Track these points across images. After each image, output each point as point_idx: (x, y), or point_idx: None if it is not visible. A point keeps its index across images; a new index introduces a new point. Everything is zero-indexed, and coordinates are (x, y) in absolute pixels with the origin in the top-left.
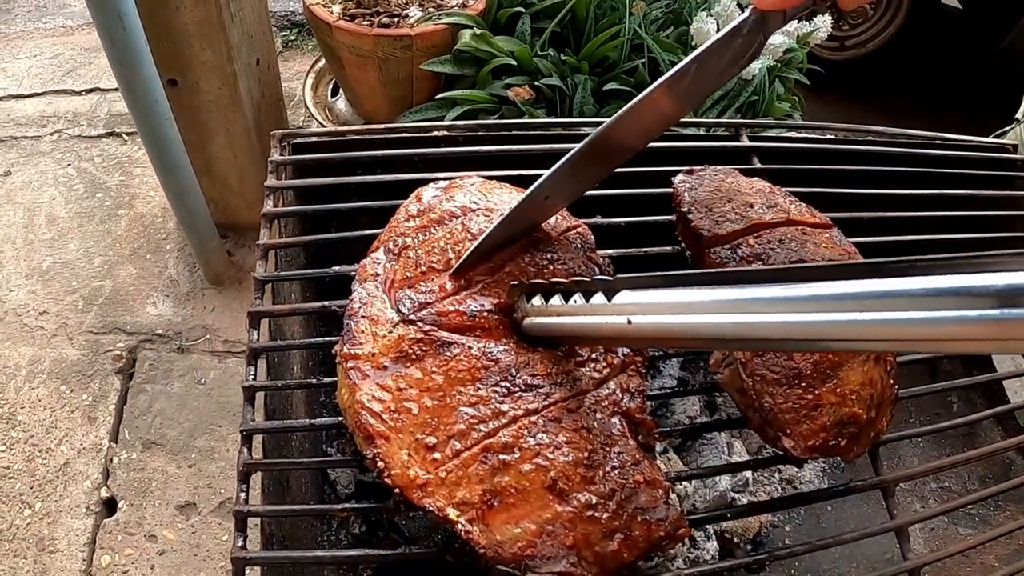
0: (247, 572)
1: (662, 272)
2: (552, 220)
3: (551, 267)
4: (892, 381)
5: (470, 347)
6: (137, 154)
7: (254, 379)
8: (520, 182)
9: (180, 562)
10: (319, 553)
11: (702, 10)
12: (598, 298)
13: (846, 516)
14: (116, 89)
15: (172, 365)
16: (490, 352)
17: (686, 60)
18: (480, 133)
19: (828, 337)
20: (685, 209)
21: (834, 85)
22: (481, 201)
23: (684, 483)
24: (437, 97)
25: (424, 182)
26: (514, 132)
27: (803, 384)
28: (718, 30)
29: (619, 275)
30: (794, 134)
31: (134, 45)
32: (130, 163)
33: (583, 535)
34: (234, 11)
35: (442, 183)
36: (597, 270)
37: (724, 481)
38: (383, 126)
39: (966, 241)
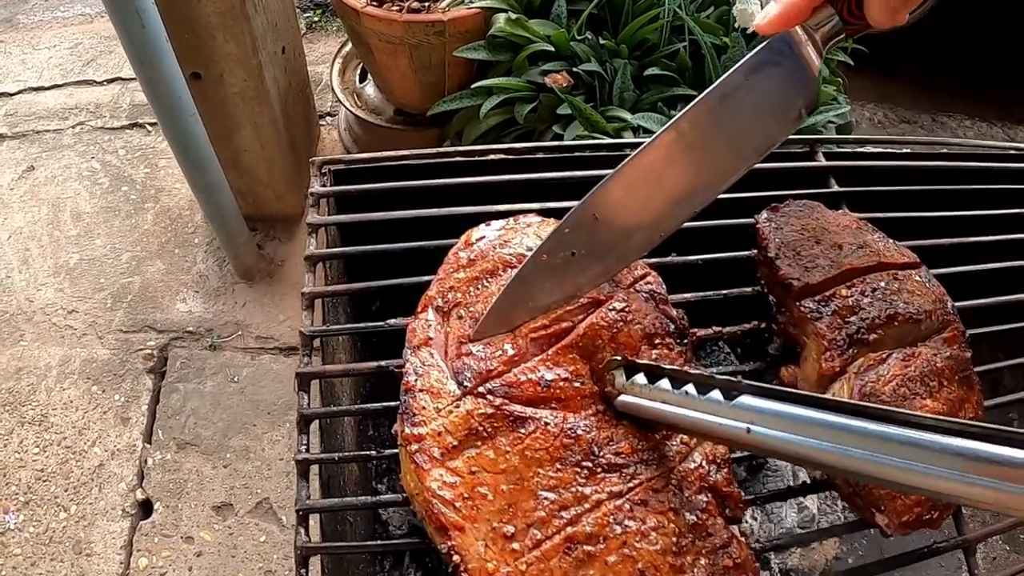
0: None
1: (787, 389)
2: (649, 292)
3: (625, 328)
4: (978, 408)
5: (547, 422)
6: (161, 145)
7: (307, 450)
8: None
9: (218, 563)
10: None
11: None
12: (715, 395)
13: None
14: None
15: (204, 363)
16: (570, 428)
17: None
18: (540, 156)
19: (931, 490)
20: (772, 255)
21: (873, 59)
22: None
23: (750, 520)
24: (473, 87)
25: (480, 217)
26: (577, 154)
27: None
28: (761, 8)
29: (743, 380)
30: (869, 149)
31: (154, 42)
32: (155, 155)
33: None
34: (258, 1)
35: (495, 224)
36: (672, 325)
37: (791, 518)
38: (434, 151)
39: None
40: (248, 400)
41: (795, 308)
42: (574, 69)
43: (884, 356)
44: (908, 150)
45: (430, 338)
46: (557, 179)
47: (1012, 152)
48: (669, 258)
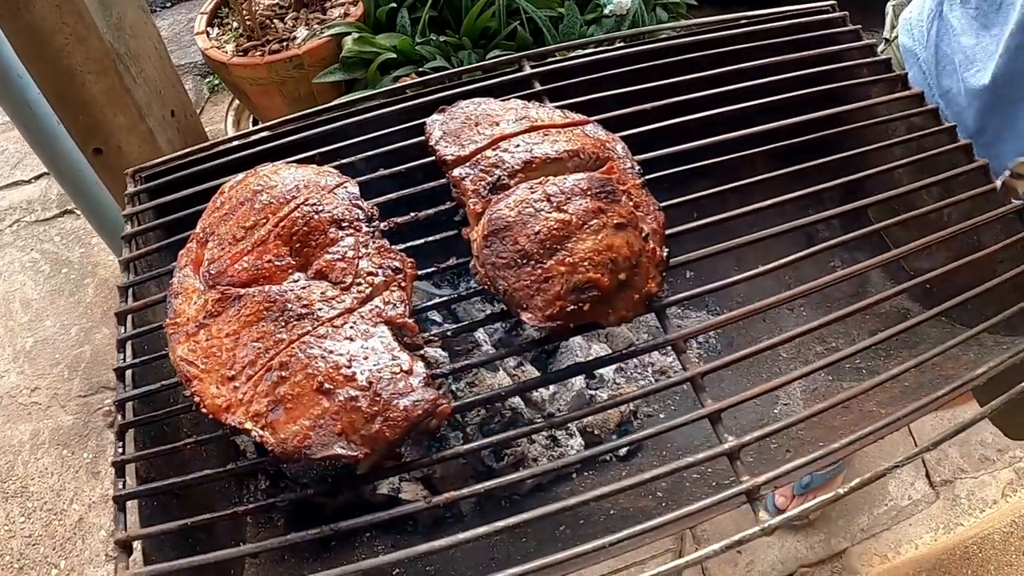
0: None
1: None
2: (323, 180)
3: (316, 216)
4: (654, 246)
5: (254, 295)
6: (90, 225)
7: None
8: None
9: None
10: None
11: None
12: None
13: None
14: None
15: None
16: (270, 294)
17: None
18: (284, 128)
19: None
20: (434, 143)
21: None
22: (266, 182)
23: (541, 390)
24: (328, 106)
25: None
26: (317, 119)
27: (532, 262)
28: None
29: None
30: (592, 47)
31: (48, 127)
32: (87, 234)
33: (349, 422)
34: (136, 74)
35: (240, 175)
36: (361, 213)
37: (579, 381)
38: (211, 142)
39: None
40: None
41: (452, 179)
42: (421, 69)
43: (512, 192)
44: (621, 44)
45: (190, 260)
46: (304, 138)
47: (743, 20)
48: (377, 173)
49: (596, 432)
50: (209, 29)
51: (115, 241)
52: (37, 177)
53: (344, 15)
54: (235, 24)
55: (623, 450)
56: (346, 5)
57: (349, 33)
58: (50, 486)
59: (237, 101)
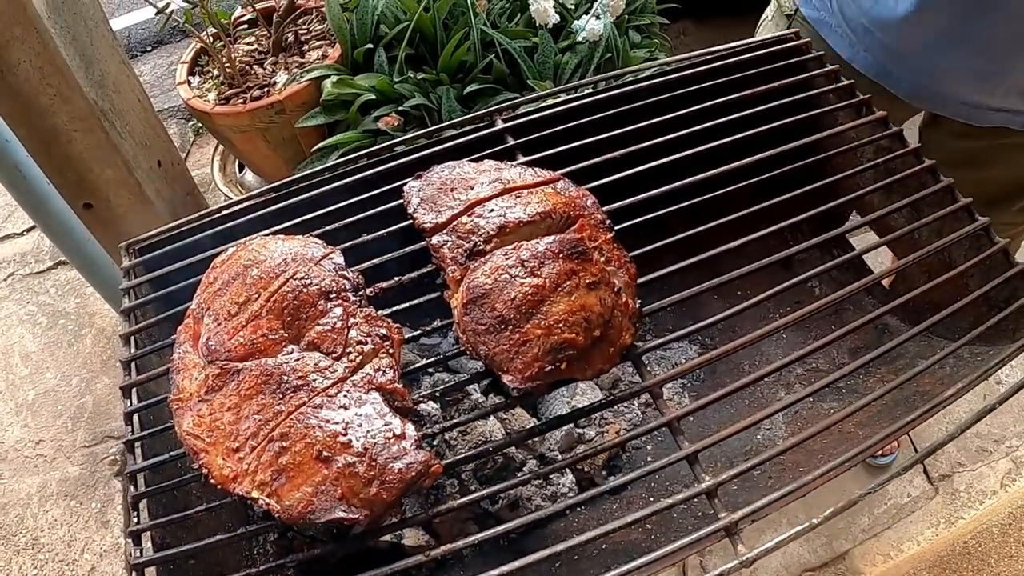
0: None
1: None
2: (309, 251)
3: (305, 290)
4: (627, 299)
5: (252, 368)
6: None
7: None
8: (307, 227)
9: None
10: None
11: None
12: None
13: (707, 426)
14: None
15: None
16: (266, 368)
17: None
18: (271, 196)
19: None
20: (412, 210)
21: (684, 12)
22: (248, 255)
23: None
24: (313, 149)
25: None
26: (300, 186)
27: (509, 327)
28: (555, 4)
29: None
30: (549, 102)
31: (38, 188)
32: (81, 285)
33: (348, 487)
34: (120, 128)
35: (230, 250)
36: (347, 283)
37: (563, 411)
38: (199, 214)
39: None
40: None
41: (432, 247)
42: (401, 108)
43: (488, 259)
44: (591, 89)
45: (188, 336)
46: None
47: (710, 56)
48: (360, 239)
49: (586, 469)
50: (190, 78)
51: (110, 292)
52: (29, 229)
53: (322, 57)
54: (215, 72)
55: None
56: (323, 47)
57: (328, 76)
58: (60, 537)
59: (221, 147)
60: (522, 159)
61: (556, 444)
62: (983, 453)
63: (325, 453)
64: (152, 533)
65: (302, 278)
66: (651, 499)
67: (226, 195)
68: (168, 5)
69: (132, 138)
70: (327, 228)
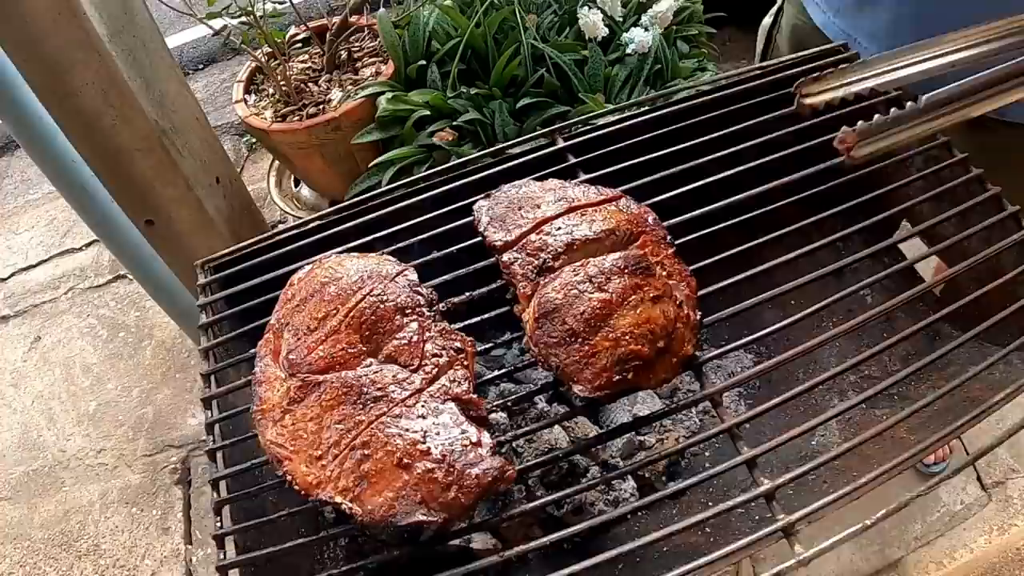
0: None
1: None
2: (384, 269)
3: (382, 306)
4: (688, 312)
5: (332, 381)
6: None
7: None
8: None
9: None
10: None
11: (585, 4)
12: None
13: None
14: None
15: None
16: (347, 380)
17: None
18: (342, 215)
19: None
20: (483, 228)
21: (736, 19)
22: (326, 273)
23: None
24: (370, 165)
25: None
26: (369, 204)
27: (579, 340)
28: (604, 17)
29: None
30: (607, 119)
31: (103, 207)
32: (140, 298)
33: (428, 492)
34: (181, 147)
35: (307, 267)
36: (421, 299)
37: (626, 419)
38: (269, 233)
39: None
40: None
41: (502, 264)
42: (455, 123)
43: (558, 274)
44: (645, 108)
45: (270, 350)
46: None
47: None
48: (431, 255)
49: (646, 475)
50: (247, 96)
51: (172, 305)
52: (88, 244)
53: (376, 74)
54: (271, 90)
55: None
56: (376, 64)
57: (383, 93)
58: (122, 543)
59: (277, 163)
60: (583, 176)
61: (618, 451)
62: None
63: (405, 460)
64: (235, 537)
65: (379, 294)
66: (709, 503)
67: (282, 209)
68: (225, 27)
69: (192, 156)
70: (399, 245)
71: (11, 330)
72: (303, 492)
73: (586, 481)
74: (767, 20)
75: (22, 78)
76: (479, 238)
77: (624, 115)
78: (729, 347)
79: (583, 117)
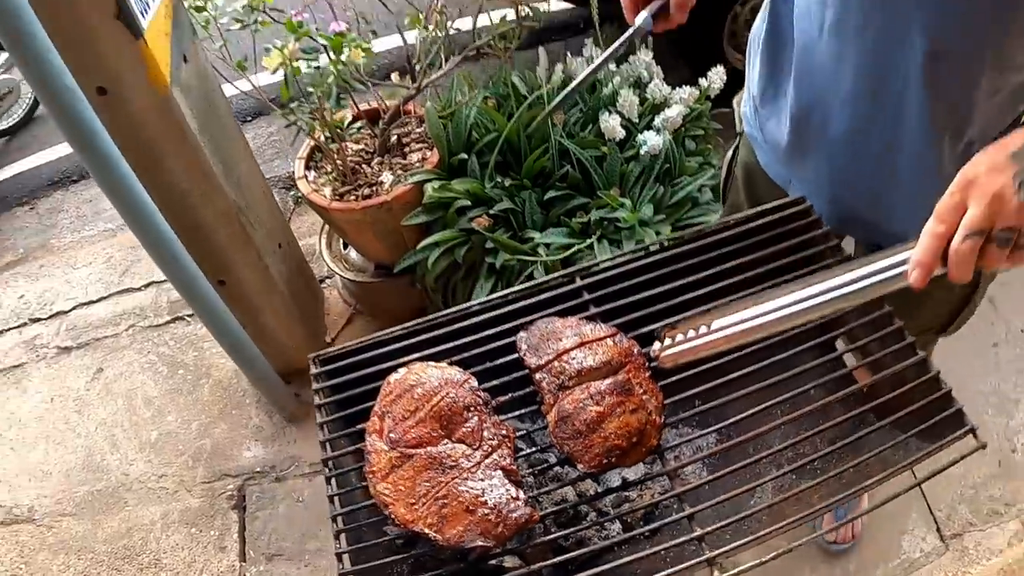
0: None
1: None
2: (455, 377)
3: (454, 404)
4: (655, 417)
5: (421, 454)
6: (201, 331)
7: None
8: (448, 357)
9: None
10: None
11: (607, 108)
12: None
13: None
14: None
15: (274, 492)
16: (431, 454)
17: None
18: (421, 327)
19: None
20: (522, 354)
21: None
22: (413, 378)
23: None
24: (419, 246)
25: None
26: (439, 322)
27: (582, 437)
28: (622, 120)
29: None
30: (620, 259)
31: (187, 267)
32: (198, 340)
33: (484, 528)
34: (253, 221)
35: (401, 371)
36: (480, 400)
37: (616, 483)
38: (365, 339)
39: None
40: (313, 513)
41: (536, 382)
42: (491, 212)
43: (571, 392)
44: (656, 247)
45: (376, 429)
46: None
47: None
48: (486, 365)
49: (628, 520)
50: (307, 173)
51: (237, 353)
52: (147, 285)
53: (422, 159)
54: (328, 168)
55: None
56: (423, 150)
57: (430, 180)
58: (181, 559)
59: (328, 226)
60: (593, 309)
61: (610, 502)
62: (995, 515)
63: (470, 507)
64: (349, 555)
65: (452, 396)
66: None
67: (330, 267)
68: (296, 120)
69: (261, 228)
70: (463, 355)
71: (74, 360)
72: (403, 525)
73: (586, 523)
74: (728, 153)
75: (124, 159)
76: (518, 356)
77: (625, 259)
78: (690, 437)
79: (597, 260)
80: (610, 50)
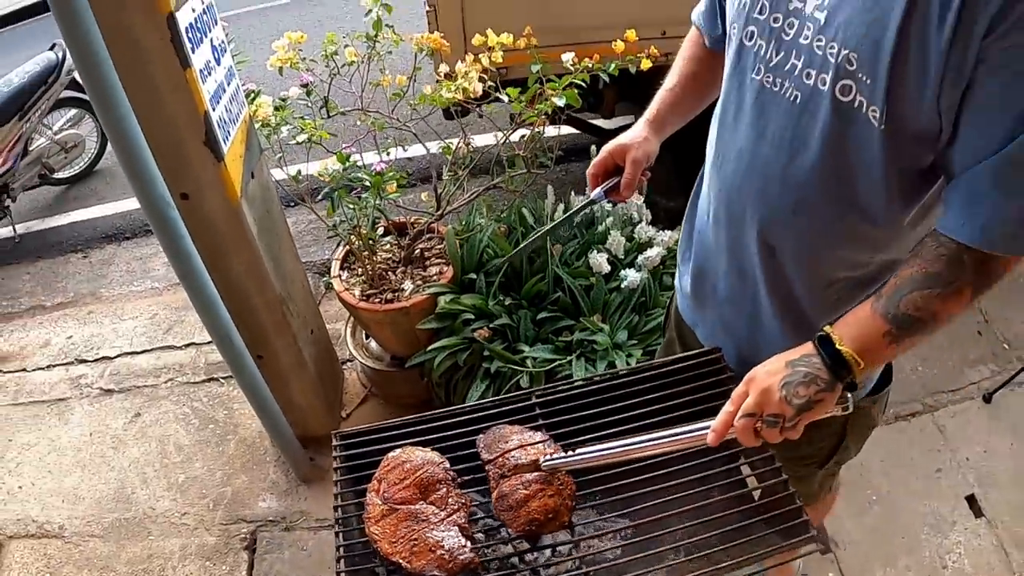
0: None
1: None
2: (433, 459)
3: (430, 477)
4: (567, 501)
5: (403, 509)
6: (233, 393)
7: None
8: (432, 444)
9: None
10: None
11: (595, 246)
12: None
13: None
14: (209, 342)
15: (282, 540)
16: (410, 510)
17: None
18: (416, 420)
19: None
20: (479, 450)
21: None
22: (404, 457)
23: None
24: (429, 348)
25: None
26: (441, 422)
27: (513, 511)
28: (608, 256)
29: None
30: (569, 385)
31: (236, 346)
32: (229, 400)
33: (440, 563)
34: (293, 310)
35: (397, 451)
36: (451, 476)
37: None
38: (372, 425)
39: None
40: (315, 561)
41: (486, 468)
42: (491, 325)
43: (509, 479)
44: (598, 377)
45: (374, 488)
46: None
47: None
48: (457, 453)
49: (552, 571)
50: (341, 272)
51: (265, 416)
52: (187, 345)
53: (439, 274)
54: (359, 270)
55: None
56: (440, 265)
57: (444, 293)
58: None
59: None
60: (541, 421)
61: (545, 559)
62: None
63: (432, 548)
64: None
65: (430, 472)
66: None
67: (352, 352)
68: (338, 232)
69: (299, 316)
70: (443, 444)
71: (114, 403)
72: (385, 556)
73: (518, 571)
74: (672, 296)
75: (198, 255)
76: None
77: (576, 385)
78: (598, 518)
79: (553, 385)
80: (568, 214)
